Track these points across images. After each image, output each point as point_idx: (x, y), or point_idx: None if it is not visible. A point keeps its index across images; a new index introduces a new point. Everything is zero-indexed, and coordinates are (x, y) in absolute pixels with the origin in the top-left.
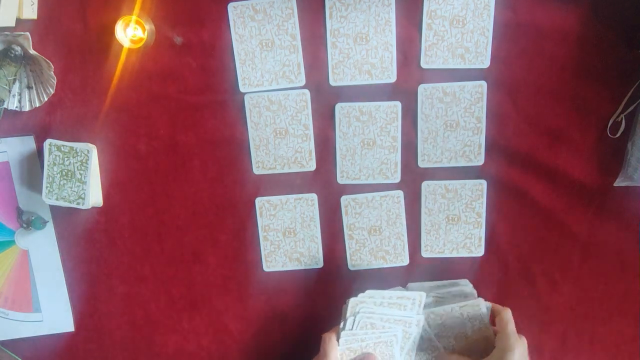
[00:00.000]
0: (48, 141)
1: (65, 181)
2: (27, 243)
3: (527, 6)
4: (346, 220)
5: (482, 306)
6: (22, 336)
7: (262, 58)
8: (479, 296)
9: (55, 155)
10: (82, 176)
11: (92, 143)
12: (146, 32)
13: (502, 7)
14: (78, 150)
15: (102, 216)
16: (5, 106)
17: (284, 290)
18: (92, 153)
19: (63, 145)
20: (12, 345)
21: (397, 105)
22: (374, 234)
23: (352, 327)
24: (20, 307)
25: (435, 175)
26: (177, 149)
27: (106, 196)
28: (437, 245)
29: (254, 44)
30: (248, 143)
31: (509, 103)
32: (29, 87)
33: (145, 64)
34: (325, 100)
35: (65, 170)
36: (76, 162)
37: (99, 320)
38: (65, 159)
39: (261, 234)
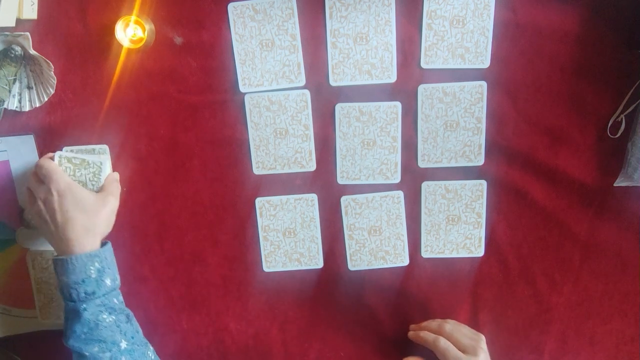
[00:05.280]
0: (58, 153)
1: None
2: (28, 242)
3: (527, 6)
4: (346, 220)
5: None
6: (24, 332)
7: (262, 58)
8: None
9: (66, 167)
10: (95, 187)
11: (92, 143)
12: (146, 32)
13: (502, 7)
14: (90, 162)
15: None
16: (5, 106)
17: (284, 290)
18: (105, 165)
19: (74, 158)
20: (12, 344)
21: (397, 106)
22: (374, 234)
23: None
24: (22, 304)
25: (435, 175)
26: (177, 149)
27: None
28: (437, 245)
29: (254, 44)
30: (248, 143)
31: (509, 103)
32: (29, 87)
33: (145, 63)
34: (325, 101)
35: (77, 182)
36: (88, 174)
37: None
38: (77, 170)
39: (261, 234)
